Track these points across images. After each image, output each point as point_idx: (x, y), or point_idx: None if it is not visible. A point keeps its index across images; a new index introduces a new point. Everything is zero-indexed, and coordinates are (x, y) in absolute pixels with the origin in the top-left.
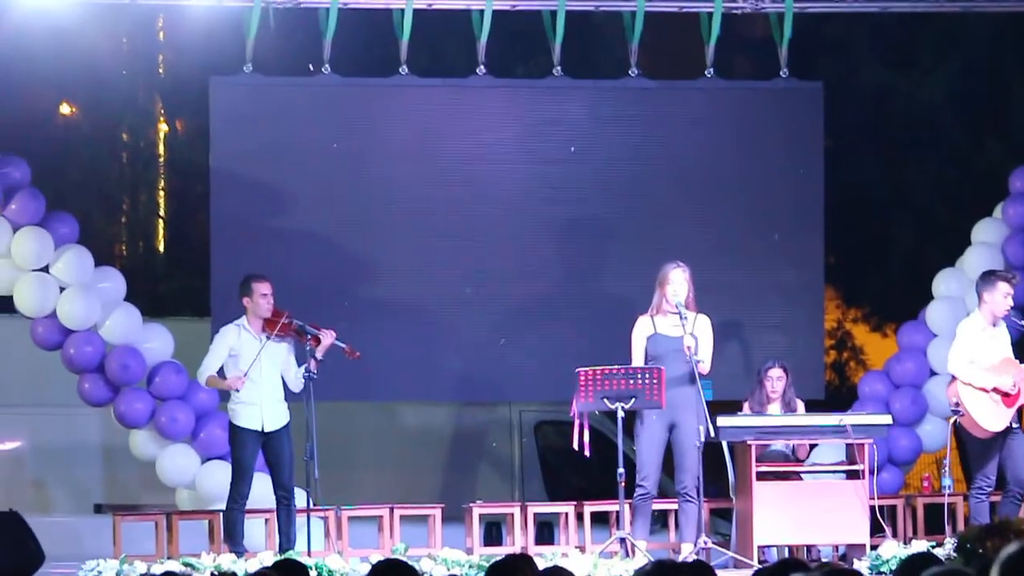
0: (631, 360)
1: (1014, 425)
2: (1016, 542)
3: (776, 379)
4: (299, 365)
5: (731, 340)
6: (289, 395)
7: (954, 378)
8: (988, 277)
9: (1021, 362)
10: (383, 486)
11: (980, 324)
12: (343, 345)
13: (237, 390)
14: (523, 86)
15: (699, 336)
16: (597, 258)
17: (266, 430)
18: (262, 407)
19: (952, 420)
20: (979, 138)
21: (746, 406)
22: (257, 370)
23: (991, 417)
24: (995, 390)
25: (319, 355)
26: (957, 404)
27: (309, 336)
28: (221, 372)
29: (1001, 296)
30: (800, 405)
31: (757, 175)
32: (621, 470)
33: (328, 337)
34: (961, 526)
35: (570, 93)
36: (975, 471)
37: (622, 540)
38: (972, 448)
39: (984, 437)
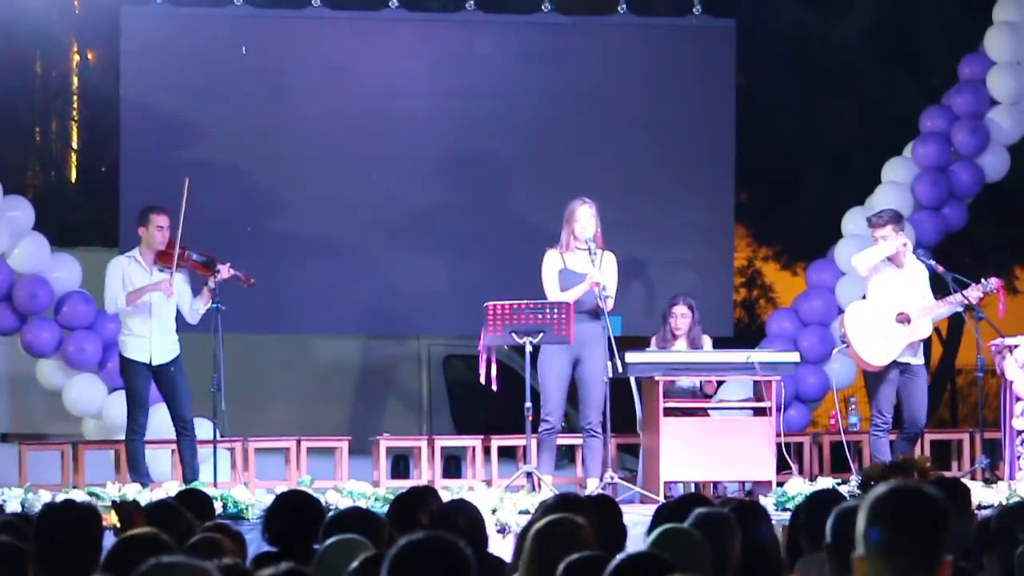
0: (547, 294)
1: (912, 362)
2: (885, 484)
3: (680, 316)
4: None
5: (641, 277)
6: (186, 326)
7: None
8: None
9: (938, 298)
10: (290, 418)
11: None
12: (238, 273)
13: (169, 295)
14: (436, 19)
15: (605, 273)
16: (507, 193)
17: (154, 363)
18: (151, 339)
19: (836, 350)
20: (893, 78)
21: (653, 342)
22: (148, 304)
23: (875, 351)
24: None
25: (212, 284)
26: (844, 336)
27: (207, 266)
28: None
29: (875, 239)
30: (707, 341)
31: (669, 112)
32: (528, 404)
33: (225, 271)
34: (866, 463)
35: (483, 27)
36: (871, 406)
37: (528, 474)
38: (867, 382)
39: (872, 371)
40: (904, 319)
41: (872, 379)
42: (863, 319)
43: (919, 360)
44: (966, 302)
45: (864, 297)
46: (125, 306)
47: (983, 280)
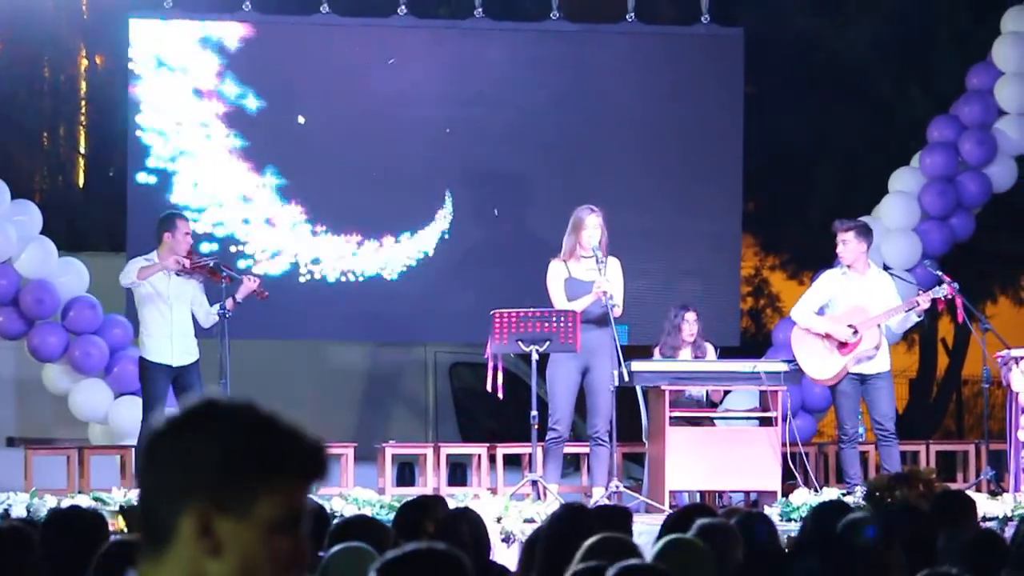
0: (553, 304)
1: (868, 372)
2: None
3: (692, 322)
4: (211, 303)
5: (648, 286)
6: (200, 331)
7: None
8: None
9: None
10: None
11: (840, 269)
12: (255, 288)
13: (184, 267)
14: (444, 26)
15: (611, 280)
16: (515, 202)
17: (175, 364)
18: (172, 341)
19: (786, 367)
20: (903, 88)
21: (657, 351)
22: (167, 305)
23: (816, 365)
24: (828, 336)
25: (240, 298)
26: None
27: (224, 276)
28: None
29: (838, 243)
30: (710, 350)
31: (677, 121)
32: (534, 413)
33: (252, 283)
34: (872, 474)
35: (491, 35)
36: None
37: (534, 483)
38: (831, 396)
39: (822, 384)
40: (852, 331)
41: (831, 393)
42: (807, 334)
43: (880, 368)
44: (919, 309)
45: (822, 311)
46: (137, 280)
47: (937, 286)
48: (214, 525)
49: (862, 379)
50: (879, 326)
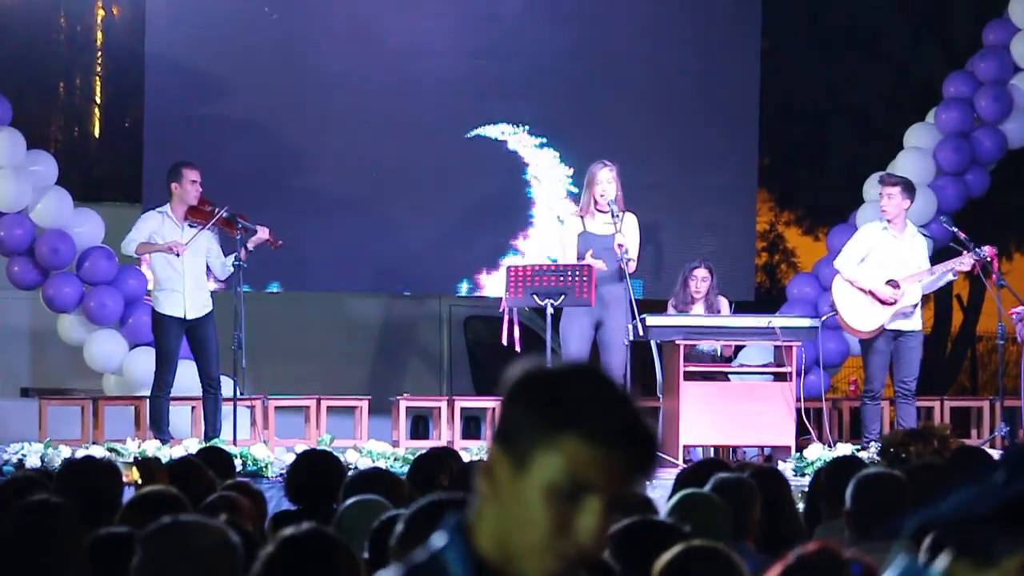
0: (564, 258)
1: (905, 328)
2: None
3: (700, 279)
4: (225, 254)
5: (663, 240)
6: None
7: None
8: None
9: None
10: (311, 377)
11: (881, 223)
12: (268, 238)
13: (178, 254)
14: None
15: (627, 234)
16: (531, 155)
17: (188, 317)
18: (185, 294)
19: (824, 317)
20: (917, 44)
21: (670, 306)
22: (179, 259)
23: (860, 317)
24: (871, 293)
25: (252, 247)
26: (832, 303)
27: (240, 227)
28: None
29: (882, 196)
30: (724, 305)
31: (693, 75)
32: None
33: (264, 232)
34: (886, 430)
35: None
36: (864, 375)
37: None
38: (861, 351)
39: (859, 337)
40: (893, 285)
41: (863, 348)
42: (851, 285)
43: (913, 326)
44: (957, 269)
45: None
46: (134, 253)
47: (976, 248)
48: (496, 468)
49: (895, 335)
50: (919, 282)
